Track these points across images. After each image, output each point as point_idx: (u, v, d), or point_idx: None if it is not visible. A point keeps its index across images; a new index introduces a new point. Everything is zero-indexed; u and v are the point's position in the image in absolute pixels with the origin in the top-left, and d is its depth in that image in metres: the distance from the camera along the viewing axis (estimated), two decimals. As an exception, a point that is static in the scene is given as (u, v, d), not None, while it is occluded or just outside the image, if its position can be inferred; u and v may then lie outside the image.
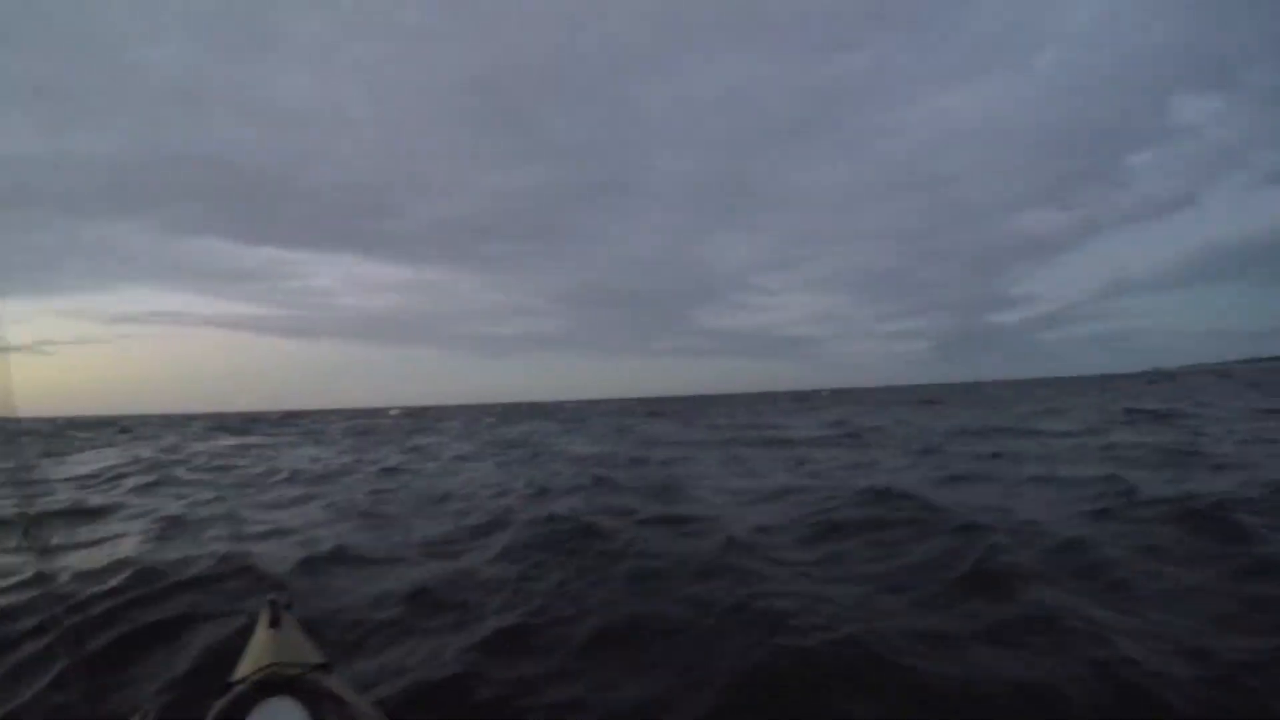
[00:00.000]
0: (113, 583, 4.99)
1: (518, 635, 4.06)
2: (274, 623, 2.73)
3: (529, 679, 3.52)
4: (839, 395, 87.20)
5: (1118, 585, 4.43)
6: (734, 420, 30.76)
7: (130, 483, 12.32)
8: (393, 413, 71.02)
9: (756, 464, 12.76)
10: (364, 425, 39.36)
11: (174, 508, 9.20)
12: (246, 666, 2.43)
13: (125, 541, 7.00)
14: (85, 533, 7.59)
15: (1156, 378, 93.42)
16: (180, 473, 13.80)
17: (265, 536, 7.27)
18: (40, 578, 2.53)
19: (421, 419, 50.35)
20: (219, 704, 2.07)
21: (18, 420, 2.58)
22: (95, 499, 10.30)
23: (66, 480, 13.04)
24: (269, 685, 2.18)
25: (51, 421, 53.10)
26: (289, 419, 57.10)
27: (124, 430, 33.16)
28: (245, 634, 2.88)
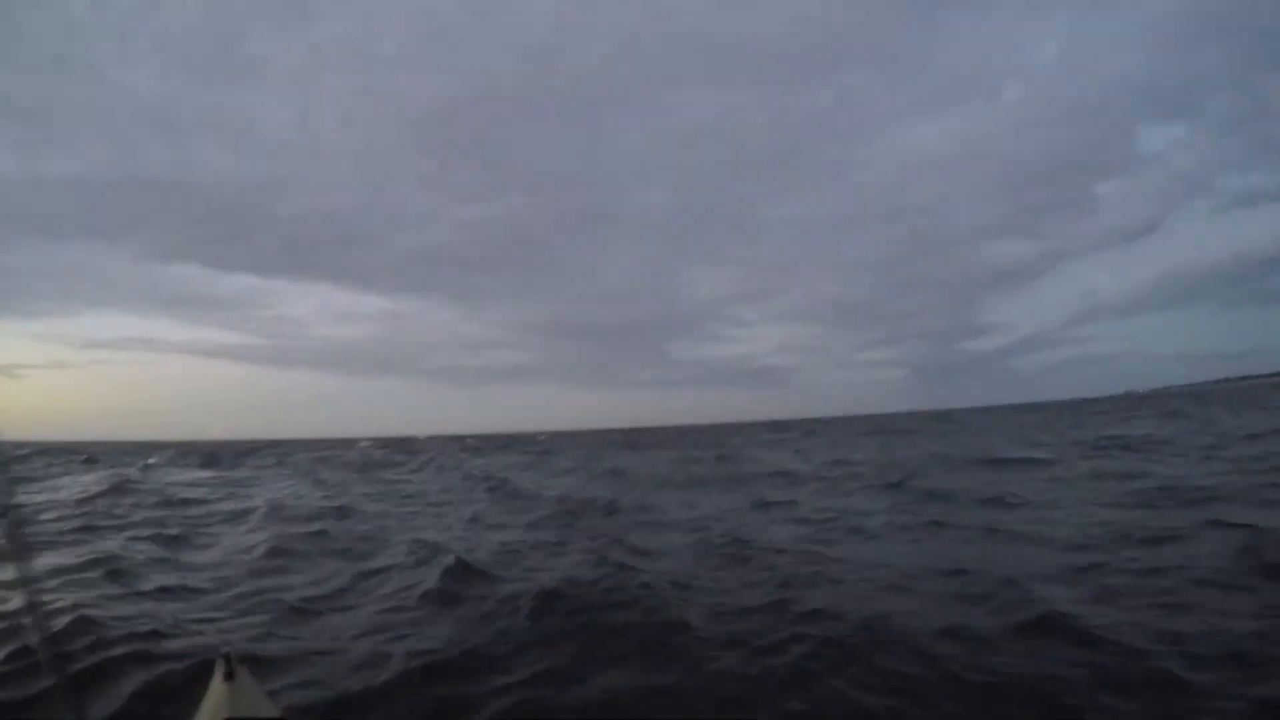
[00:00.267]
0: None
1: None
2: (229, 676, 2.66)
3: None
4: (815, 425, 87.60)
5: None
6: (704, 453, 30.60)
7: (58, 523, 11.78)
8: (363, 444, 70.15)
9: (709, 503, 12.58)
10: (338, 457, 38.62)
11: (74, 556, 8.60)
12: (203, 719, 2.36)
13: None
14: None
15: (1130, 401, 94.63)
16: (122, 509, 13.23)
17: (157, 595, 6.76)
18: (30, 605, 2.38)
19: (396, 450, 49.74)
20: None
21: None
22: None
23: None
24: None
25: (21, 446, 52.10)
26: (260, 449, 56.15)
27: (89, 460, 32.23)
28: (199, 685, 2.82)
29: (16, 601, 5.09)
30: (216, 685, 2.68)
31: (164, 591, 6.95)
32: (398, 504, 14.76)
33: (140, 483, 19.20)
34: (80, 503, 13.74)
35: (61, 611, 5.59)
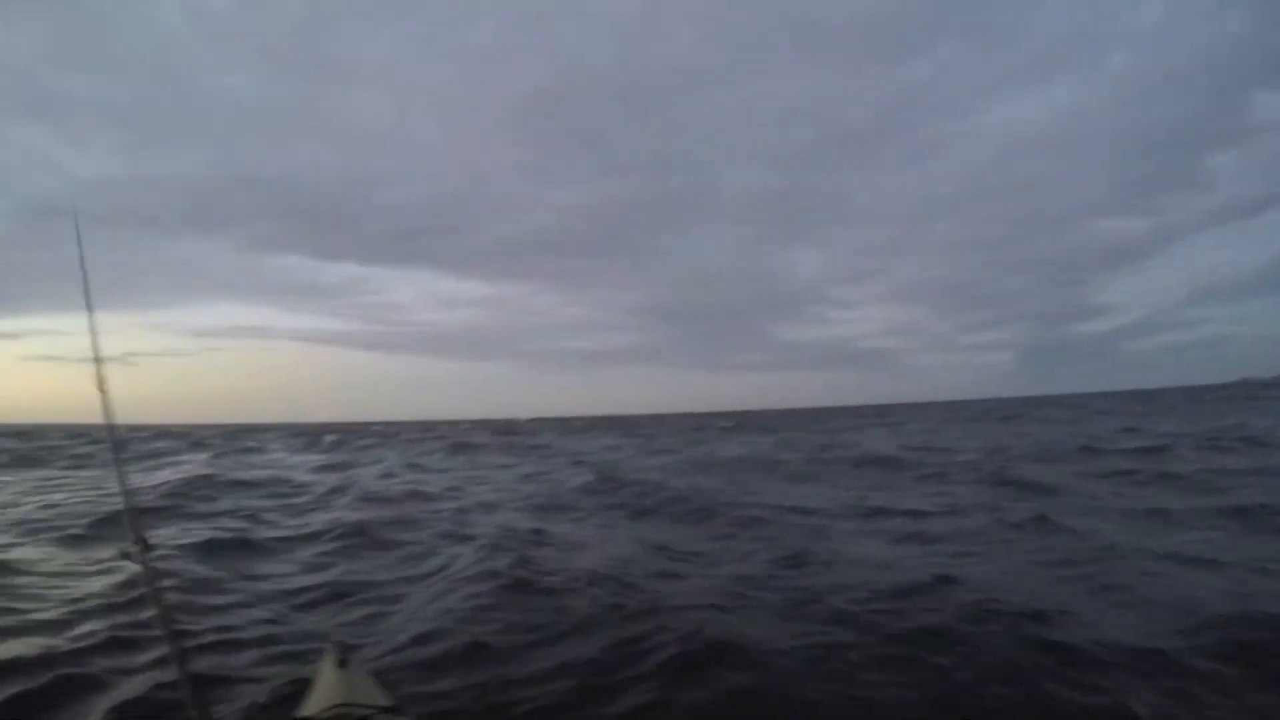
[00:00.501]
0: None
1: None
2: (341, 664, 2.73)
3: None
4: (918, 410, 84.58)
5: None
6: (812, 438, 29.33)
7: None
8: (464, 426, 71.62)
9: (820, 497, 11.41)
10: (439, 439, 38.99)
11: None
12: (314, 705, 2.48)
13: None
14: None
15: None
16: (212, 493, 13.08)
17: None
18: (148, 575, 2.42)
19: (497, 432, 50.30)
20: None
21: (117, 426, 2.78)
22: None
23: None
24: None
25: (139, 430, 55.46)
26: (364, 431, 57.64)
27: (197, 444, 33.36)
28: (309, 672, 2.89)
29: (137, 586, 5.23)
30: (328, 672, 2.72)
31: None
32: (490, 488, 14.13)
33: (236, 467, 19.38)
34: (173, 485, 13.69)
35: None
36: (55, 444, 31.50)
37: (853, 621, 4.71)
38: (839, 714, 3.48)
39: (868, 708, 3.52)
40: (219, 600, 5.66)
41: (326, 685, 2.64)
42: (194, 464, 19.24)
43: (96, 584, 6.10)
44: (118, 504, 2.98)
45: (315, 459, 24.17)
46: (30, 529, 9.03)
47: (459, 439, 36.24)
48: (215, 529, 8.99)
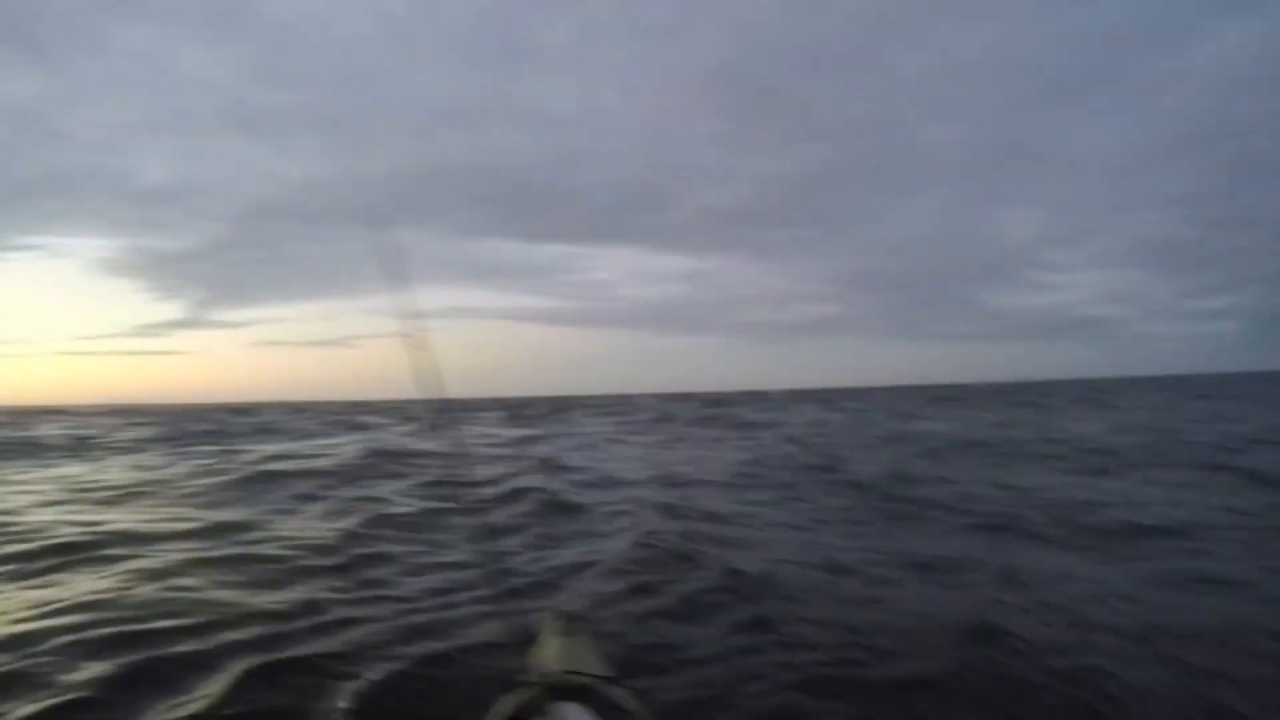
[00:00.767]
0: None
1: None
2: (566, 632, 2.82)
3: None
4: (1135, 384, 76.41)
5: None
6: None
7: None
8: (650, 399, 72.93)
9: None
10: (641, 412, 39.42)
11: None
12: (537, 670, 2.58)
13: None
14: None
15: None
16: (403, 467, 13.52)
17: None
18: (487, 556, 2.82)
19: (705, 405, 50.25)
20: (510, 700, 2.27)
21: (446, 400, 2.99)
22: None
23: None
24: (561, 690, 2.32)
25: (360, 406, 61.21)
26: (572, 405, 59.70)
27: (409, 418, 35.85)
28: (532, 639, 2.93)
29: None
30: (552, 640, 2.79)
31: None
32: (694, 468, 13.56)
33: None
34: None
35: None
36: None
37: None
38: None
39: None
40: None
41: (550, 652, 2.71)
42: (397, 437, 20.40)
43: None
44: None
45: (522, 432, 24.91)
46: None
47: (663, 412, 36.38)
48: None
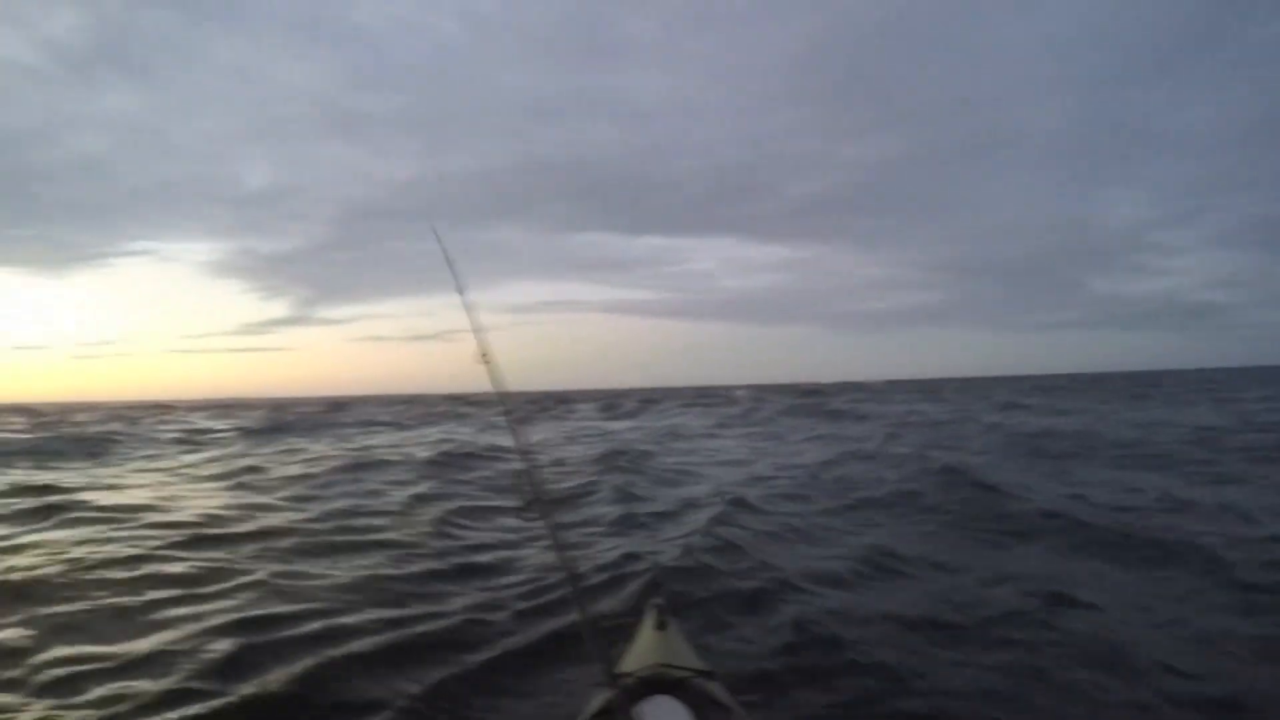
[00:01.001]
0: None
1: None
2: (660, 625, 2.79)
3: None
4: (1255, 375, 69.46)
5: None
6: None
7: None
8: (767, 389, 72.34)
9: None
10: (737, 405, 39.10)
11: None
12: (632, 663, 2.57)
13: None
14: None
15: None
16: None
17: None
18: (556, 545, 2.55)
19: (804, 394, 49.61)
20: (605, 693, 2.18)
21: (508, 395, 3.02)
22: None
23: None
24: (655, 683, 2.34)
25: (460, 399, 62.77)
26: (669, 396, 59.60)
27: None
28: (628, 632, 2.95)
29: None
30: (647, 633, 2.79)
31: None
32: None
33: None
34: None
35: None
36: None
37: None
38: None
39: None
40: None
41: (645, 645, 2.72)
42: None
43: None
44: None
45: (624, 424, 25.20)
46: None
47: (762, 403, 36.04)
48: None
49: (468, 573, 5.86)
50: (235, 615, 4.67)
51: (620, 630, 3.10)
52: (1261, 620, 4.39)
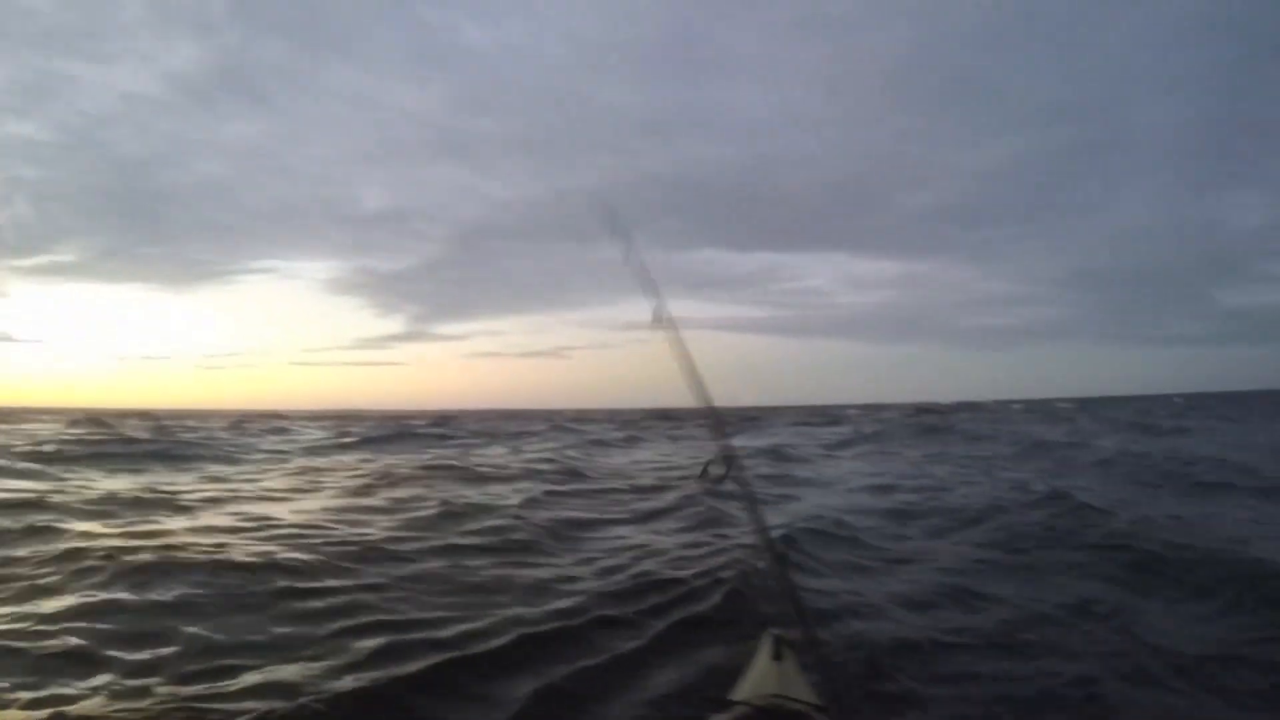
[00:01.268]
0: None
1: None
2: (777, 655, 2.74)
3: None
4: None
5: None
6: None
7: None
8: (883, 409, 70.70)
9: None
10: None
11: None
12: (746, 690, 2.60)
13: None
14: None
15: None
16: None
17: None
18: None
19: (924, 413, 48.20)
20: (719, 718, 2.27)
21: (714, 409, 3.09)
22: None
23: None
24: (771, 714, 2.32)
25: (565, 415, 64.30)
26: (771, 415, 58.86)
27: (619, 425, 36.93)
28: (744, 656, 3.00)
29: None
30: (763, 662, 2.76)
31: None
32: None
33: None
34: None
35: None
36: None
37: None
38: None
39: None
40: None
41: (760, 673, 2.71)
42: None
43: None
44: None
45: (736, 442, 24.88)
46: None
47: (881, 424, 34.99)
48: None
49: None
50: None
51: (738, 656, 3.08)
52: None
